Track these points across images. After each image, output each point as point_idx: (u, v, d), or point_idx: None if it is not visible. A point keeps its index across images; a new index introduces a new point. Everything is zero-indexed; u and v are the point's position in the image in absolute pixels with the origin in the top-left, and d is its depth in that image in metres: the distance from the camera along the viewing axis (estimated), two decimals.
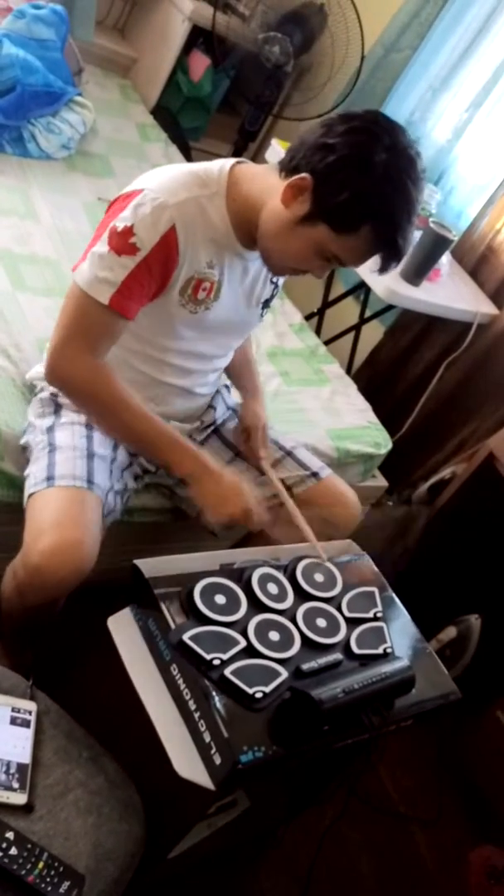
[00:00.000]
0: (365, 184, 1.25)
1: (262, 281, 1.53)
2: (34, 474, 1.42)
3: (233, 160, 1.41)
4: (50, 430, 1.49)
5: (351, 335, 2.89)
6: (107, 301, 1.31)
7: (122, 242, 1.30)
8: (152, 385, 1.51)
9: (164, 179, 1.34)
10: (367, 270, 2.48)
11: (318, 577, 1.40)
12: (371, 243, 1.30)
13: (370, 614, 1.39)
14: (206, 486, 1.42)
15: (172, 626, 1.16)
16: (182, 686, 1.13)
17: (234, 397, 1.82)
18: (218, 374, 1.68)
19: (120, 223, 1.30)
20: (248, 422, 1.69)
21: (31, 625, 1.47)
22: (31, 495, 1.40)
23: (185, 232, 1.32)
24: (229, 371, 1.75)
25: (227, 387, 1.82)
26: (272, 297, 1.59)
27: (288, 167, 1.32)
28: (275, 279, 1.56)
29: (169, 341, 1.49)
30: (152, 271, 1.33)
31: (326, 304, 2.96)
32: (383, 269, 1.35)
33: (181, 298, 1.40)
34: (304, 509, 1.54)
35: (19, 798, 1.07)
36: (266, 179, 1.36)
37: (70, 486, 1.37)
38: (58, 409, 1.53)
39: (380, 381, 2.85)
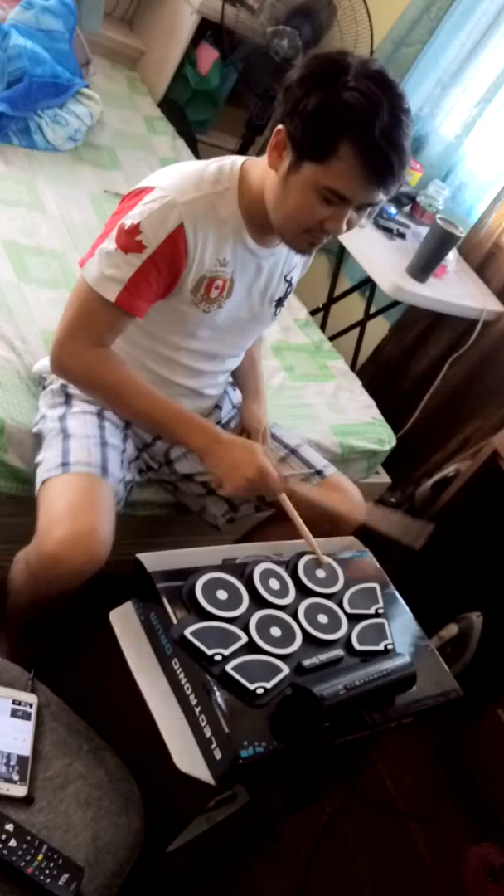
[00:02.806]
0: (325, 98, 1.20)
1: (277, 279, 1.52)
2: (48, 460, 1.42)
3: (244, 157, 1.41)
4: (62, 418, 1.49)
5: (356, 331, 2.89)
6: (114, 299, 1.31)
7: (129, 240, 1.30)
8: (163, 385, 1.51)
9: (175, 177, 1.34)
10: (373, 265, 2.50)
11: (320, 573, 1.40)
12: (356, 159, 1.21)
13: (372, 611, 1.39)
14: (218, 455, 1.41)
15: (174, 620, 1.16)
16: (183, 681, 1.13)
17: (240, 395, 1.81)
18: (227, 375, 1.67)
19: (128, 220, 1.30)
20: (248, 425, 1.68)
21: (38, 617, 1.47)
22: (44, 481, 1.39)
23: (194, 230, 1.32)
24: (233, 370, 1.74)
25: (232, 385, 1.81)
26: (286, 295, 1.57)
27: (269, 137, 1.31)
28: (289, 277, 1.54)
29: (182, 340, 1.48)
30: (160, 269, 1.32)
31: (332, 299, 2.95)
32: (382, 184, 1.25)
33: (193, 297, 1.40)
34: (307, 508, 1.54)
35: (19, 790, 1.08)
36: (264, 166, 1.35)
37: (85, 473, 1.38)
38: (68, 398, 1.54)
39: (384, 377, 2.85)
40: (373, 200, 1.29)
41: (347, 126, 1.20)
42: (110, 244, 1.31)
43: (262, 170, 1.36)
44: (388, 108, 1.20)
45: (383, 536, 1.53)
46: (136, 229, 1.29)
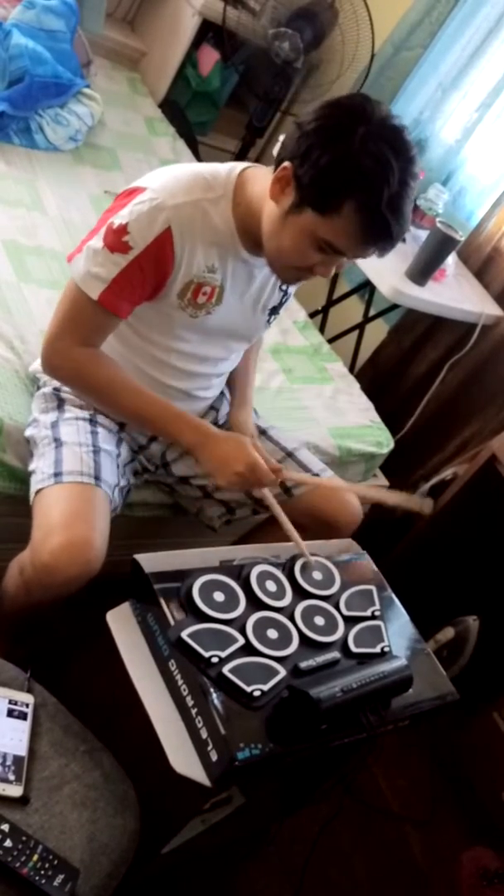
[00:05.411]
0: (339, 156, 1.19)
1: (270, 287, 1.51)
2: (41, 470, 1.42)
3: (244, 164, 1.39)
4: (54, 425, 1.49)
5: (355, 333, 2.89)
6: (96, 297, 1.32)
7: (116, 240, 1.30)
8: (154, 387, 1.50)
9: (167, 180, 1.33)
10: (372, 268, 2.50)
11: (317, 575, 1.40)
12: (357, 221, 1.22)
13: (368, 613, 1.39)
14: (208, 451, 1.42)
15: (172, 622, 1.16)
16: (180, 682, 1.13)
17: None
18: (222, 378, 1.66)
19: (117, 220, 1.30)
20: (235, 431, 1.65)
21: (31, 621, 1.47)
22: (38, 491, 1.39)
23: (181, 234, 1.31)
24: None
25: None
26: (281, 304, 1.57)
27: (276, 164, 1.29)
28: (284, 286, 1.53)
29: (171, 342, 1.48)
30: (144, 271, 1.32)
31: (331, 301, 2.96)
32: (379, 247, 1.28)
33: (180, 302, 1.39)
34: (301, 514, 1.54)
35: (15, 790, 1.08)
36: (266, 181, 1.32)
37: (78, 483, 1.38)
38: (61, 403, 1.53)
39: (383, 380, 2.85)
40: (365, 256, 1.31)
41: (356, 189, 1.20)
42: (98, 242, 1.32)
43: (264, 186, 1.33)
44: (399, 176, 1.20)
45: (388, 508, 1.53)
46: (123, 230, 1.29)
